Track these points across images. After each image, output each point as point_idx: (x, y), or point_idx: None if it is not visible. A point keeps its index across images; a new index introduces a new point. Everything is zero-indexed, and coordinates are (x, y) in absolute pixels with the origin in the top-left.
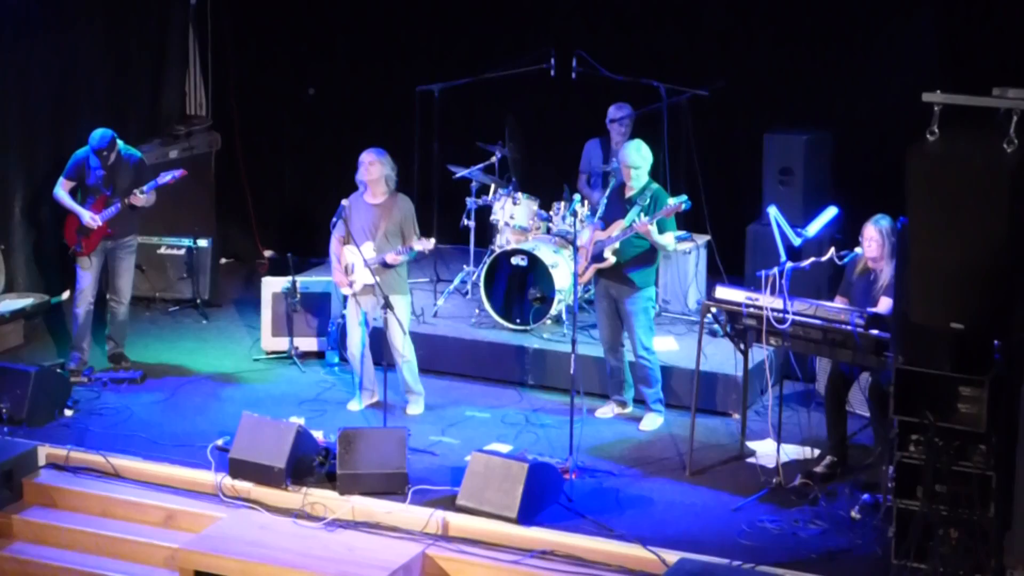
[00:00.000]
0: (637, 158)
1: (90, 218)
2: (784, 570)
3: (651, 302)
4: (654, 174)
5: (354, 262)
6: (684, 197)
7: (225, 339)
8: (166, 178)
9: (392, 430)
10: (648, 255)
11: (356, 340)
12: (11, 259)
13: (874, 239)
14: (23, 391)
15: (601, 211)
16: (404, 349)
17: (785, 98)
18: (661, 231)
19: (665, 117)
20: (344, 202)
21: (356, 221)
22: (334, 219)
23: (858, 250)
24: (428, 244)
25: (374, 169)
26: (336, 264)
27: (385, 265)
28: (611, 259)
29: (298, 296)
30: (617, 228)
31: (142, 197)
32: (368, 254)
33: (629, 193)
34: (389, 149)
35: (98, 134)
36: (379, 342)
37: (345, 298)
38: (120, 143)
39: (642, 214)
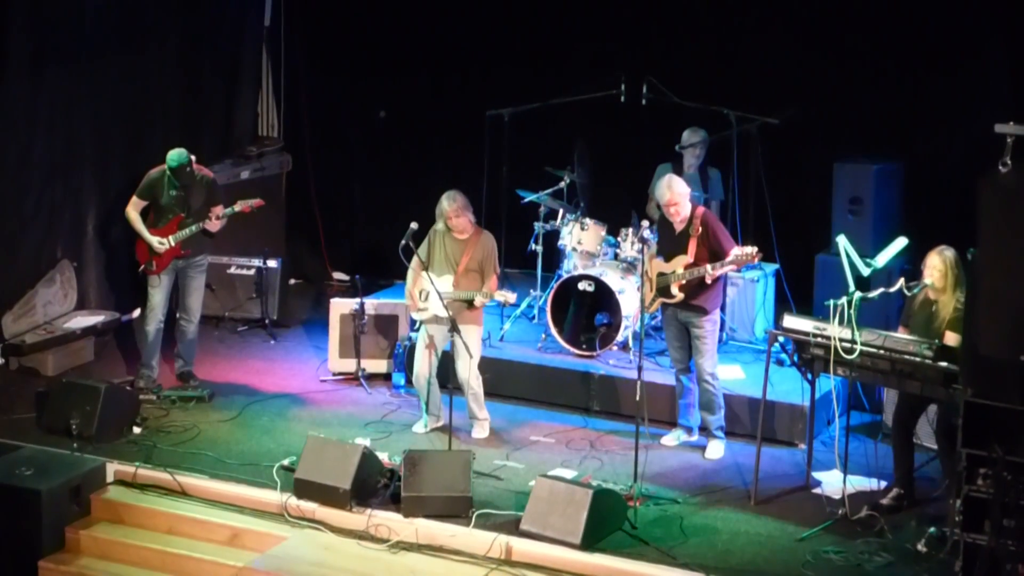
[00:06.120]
0: (669, 194)
1: (158, 243)
2: None
3: (717, 325)
4: (723, 204)
5: (429, 291)
6: (754, 248)
7: (292, 359)
8: (243, 207)
9: (457, 453)
10: (714, 281)
11: (423, 365)
12: (83, 276)
13: (937, 267)
14: (93, 407)
15: (655, 239)
16: (471, 379)
17: (855, 127)
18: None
19: (735, 145)
20: (413, 224)
21: (439, 252)
22: (403, 241)
23: (927, 280)
24: (510, 298)
25: (460, 222)
26: (411, 288)
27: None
28: (679, 296)
29: (366, 318)
30: (679, 264)
31: (218, 223)
32: (444, 288)
33: (679, 227)
34: (458, 173)
35: (175, 154)
36: (447, 366)
37: (415, 322)
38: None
39: (710, 267)
